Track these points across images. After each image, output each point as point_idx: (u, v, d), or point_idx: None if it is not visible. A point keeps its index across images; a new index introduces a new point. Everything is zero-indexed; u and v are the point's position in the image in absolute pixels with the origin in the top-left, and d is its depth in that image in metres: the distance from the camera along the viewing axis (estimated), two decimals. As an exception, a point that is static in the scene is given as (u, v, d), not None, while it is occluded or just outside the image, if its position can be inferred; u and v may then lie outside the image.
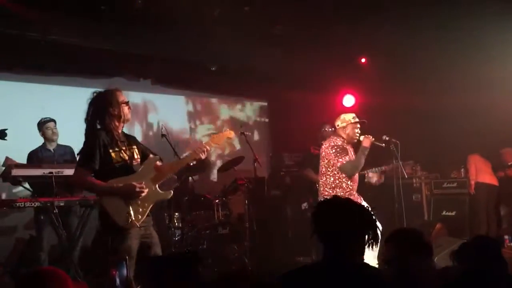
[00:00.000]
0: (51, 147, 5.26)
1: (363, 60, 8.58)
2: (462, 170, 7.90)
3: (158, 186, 3.45)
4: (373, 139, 4.85)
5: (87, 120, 3.43)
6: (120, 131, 3.47)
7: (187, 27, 6.56)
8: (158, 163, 3.51)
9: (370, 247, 2.12)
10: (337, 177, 4.76)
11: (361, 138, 4.85)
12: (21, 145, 5.41)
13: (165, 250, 5.82)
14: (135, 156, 3.51)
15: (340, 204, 2.19)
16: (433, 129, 7.99)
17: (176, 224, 6.09)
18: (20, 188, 5.15)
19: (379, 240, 2.17)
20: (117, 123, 3.43)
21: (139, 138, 7.78)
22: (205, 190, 6.88)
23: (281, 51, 7.42)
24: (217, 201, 6.38)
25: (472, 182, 7.45)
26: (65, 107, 6.50)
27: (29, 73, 6.57)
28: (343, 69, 8.20)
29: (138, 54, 6.81)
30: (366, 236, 2.10)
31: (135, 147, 3.56)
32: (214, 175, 8.14)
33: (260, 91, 8.72)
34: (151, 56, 6.91)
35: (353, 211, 2.13)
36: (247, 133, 6.43)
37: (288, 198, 7.30)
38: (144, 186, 3.30)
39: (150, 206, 3.34)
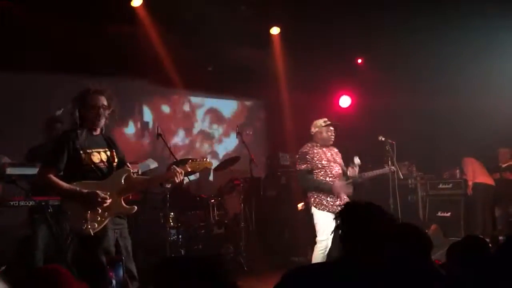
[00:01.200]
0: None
1: (359, 61, 8.59)
2: (458, 171, 7.92)
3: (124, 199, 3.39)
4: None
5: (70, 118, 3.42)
6: (96, 133, 3.43)
7: (183, 27, 6.56)
8: (130, 175, 3.47)
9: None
10: (316, 177, 4.91)
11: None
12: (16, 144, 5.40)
13: (160, 250, 5.84)
14: (111, 159, 3.46)
15: (368, 207, 2.17)
16: (428, 130, 8.01)
17: (172, 223, 6.07)
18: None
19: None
20: (91, 126, 3.40)
21: (134, 138, 7.85)
22: (201, 190, 6.88)
23: (278, 51, 7.42)
24: (212, 201, 6.38)
25: (470, 183, 7.46)
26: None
27: (25, 73, 6.54)
28: (339, 69, 8.21)
29: (135, 54, 6.79)
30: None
31: (114, 150, 3.50)
32: (210, 175, 8.13)
33: (257, 91, 8.72)
34: (148, 56, 6.89)
35: (379, 215, 2.13)
36: (248, 132, 6.44)
37: (284, 198, 7.30)
38: (108, 197, 3.26)
39: (109, 218, 3.28)
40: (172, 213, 6.10)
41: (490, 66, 7.27)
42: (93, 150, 3.35)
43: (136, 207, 3.43)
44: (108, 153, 3.46)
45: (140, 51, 6.80)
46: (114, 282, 2.78)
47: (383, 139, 5.69)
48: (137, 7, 6.21)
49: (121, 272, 2.81)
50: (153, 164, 5.90)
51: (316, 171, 4.93)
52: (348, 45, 7.78)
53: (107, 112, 3.44)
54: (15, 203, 4.55)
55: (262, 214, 7.13)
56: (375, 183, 7.14)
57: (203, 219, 6.32)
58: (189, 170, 3.58)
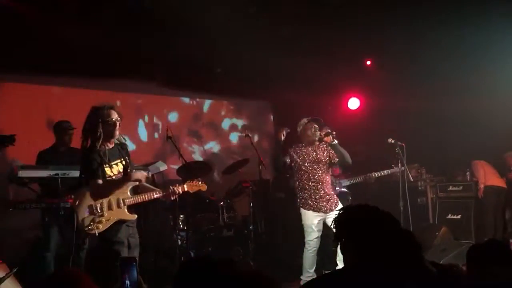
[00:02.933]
0: (63, 148, 5.30)
1: (368, 62, 8.56)
2: (468, 173, 7.85)
3: None
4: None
5: (83, 134, 3.84)
6: (112, 146, 3.86)
7: (192, 29, 6.57)
8: (135, 187, 3.93)
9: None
10: (299, 181, 5.08)
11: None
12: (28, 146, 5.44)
13: (169, 252, 5.86)
14: (126, 168, 3.90)
15: (362, 210, 2.11)
16: (438, 131, 7.95)
17: (181, 226, 6.09)
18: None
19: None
20: (106, 140, 3.82)
21: (145, 139, 7.89)
22: (210, 192, 6.88)
23: (286, 52, 7.41)
24: (222, 203, 6.38)
25: (482, 186, 7.38)
26: (72, 108, 6.55)
27: (35, 74, 6.59)
28: (348, 71, 8.18)
29: (145, 56, 6.82)
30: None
31: (127, 158, 3.96)
32: (219, 177, 8.15)
33: (266, 93, 8.72)
34: (157, 58, 6.92)
35: (375, 217, 2.05)
36: (250, 134, 6.48)
37: (293, 200, 7.27)
38: (123, 203, 3.77)
39: (113, 221, 3.73)
40: (181, 216, 6.11)
41: (500, 67, 7.22)
42: (112, 163, 3.82)
43: (136, 216, 3.86)
44: (124, 162, 3.90)
45: (149, 53, 6.84)
46: (128, 282, 2.82)
47: (392, 141, 5.68)
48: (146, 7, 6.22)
49: (135, 273, 2.87)
50: (163, 167, 5.93)
51: (301, 172, 5.05)
52: (356, 46, 7.77)
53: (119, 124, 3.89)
54: (27, 206, 4.60)
55: (271, 216, 7.12)
56: (385, 186, 7.13)
57: (212, 221, 6.33)
58: (186, 189, 4.10)
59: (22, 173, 4.66)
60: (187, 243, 5.93)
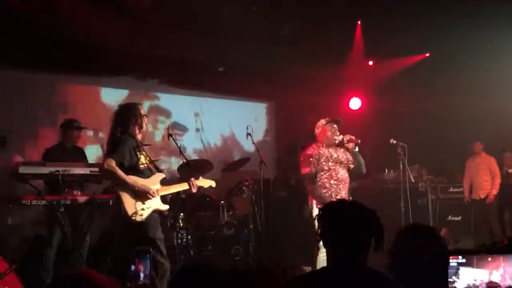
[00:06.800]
0: (69, 146, 5.34)
1: (370, 62, 8.55)
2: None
3: None
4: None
5: (113, 127, 4.01)
6: (139, 140, 4.06)
7: (194, 27, 6.56)
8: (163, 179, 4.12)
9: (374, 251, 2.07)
10: (319, 179, 4.76)
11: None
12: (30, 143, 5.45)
13: (170, 251, 5.83)
14: (151, 161, 4.13)
15: (346, 207, 2.15)
16: (439, 133, 7.95)
17: (181, 224, 6.07)
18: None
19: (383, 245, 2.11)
20: (138, 133, 4.06)
21: (146, 137, 7.86)
22: (210, 191, 6.87)
23: (289, 52, 7.40)
24: (222, 202, 6.37)
25: (495, 192, 7.34)
26: (75, 105, 6.54)
27: (34, 70, 6.56)
28: (350, 71, 8.18)
29: (146, 54, 6.80)
30: (371, 241, 2.05)
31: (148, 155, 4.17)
32: (219, 176, 8.12)
33: (267, 92, 8.69)
34: (159, 56, 6.90)
35: (359, 214, 2.07)
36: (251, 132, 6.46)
37: (294, 199, 7.27)
38: (157, 193, 3.92)
39: (151, 210, 3.87)
40: (181, 214, 6.10)
41: (502, 66, 7.22)
42: (143, 153, 4.04)
43: (168, 206, 4.08)
44: (148, 157, 4.12)
45: (150, 51, 6.82)
46: (142, 275, 2.81)
47: (394, 142, 5.65)
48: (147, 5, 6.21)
49: (149, 265, 2.85)
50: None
51: (321, 173, 4.77)
52: (359, 46, 7.77)
53: None
54: (27, 202, 4.57)
55: (272, 215, 7.11)
56: (385, 187, 7.14)
57: (212, 220, 6.31)
58: (200, 184, 4.36)
59: (23, 169, 4.64)
60: (187, 242, 5.92)
